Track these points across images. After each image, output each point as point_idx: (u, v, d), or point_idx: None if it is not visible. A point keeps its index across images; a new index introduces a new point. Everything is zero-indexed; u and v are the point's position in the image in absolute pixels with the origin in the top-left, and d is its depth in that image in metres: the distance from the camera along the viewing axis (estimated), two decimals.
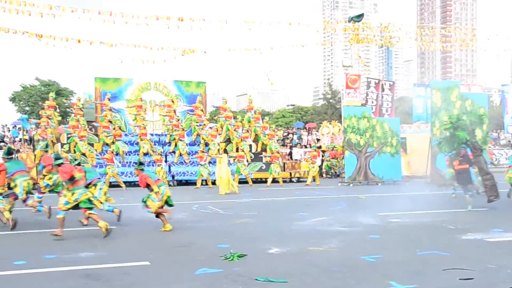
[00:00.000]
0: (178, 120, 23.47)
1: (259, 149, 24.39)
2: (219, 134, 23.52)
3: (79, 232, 9.18)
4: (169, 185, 21.08)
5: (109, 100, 23.65)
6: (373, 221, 10.18)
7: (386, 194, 16.89)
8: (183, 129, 22.82)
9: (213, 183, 19.72)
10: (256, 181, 23.07)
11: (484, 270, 6.07)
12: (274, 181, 21.25)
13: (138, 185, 21.22)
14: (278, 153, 22.77)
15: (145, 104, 24.87)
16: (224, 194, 17.06)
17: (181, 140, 22.51)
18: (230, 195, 16.71)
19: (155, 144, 22.98)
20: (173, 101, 24.50)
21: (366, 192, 17.23)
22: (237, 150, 23.12)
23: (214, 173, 19.63)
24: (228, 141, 24.08)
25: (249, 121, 24.89)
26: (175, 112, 23.99)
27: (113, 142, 21.83)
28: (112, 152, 20.45)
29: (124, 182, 21.74)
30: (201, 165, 20.33)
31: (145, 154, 22.01)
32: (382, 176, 21.29)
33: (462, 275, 5.79)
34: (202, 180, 20.58)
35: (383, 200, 14.87)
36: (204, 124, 23.76)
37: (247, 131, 23.92)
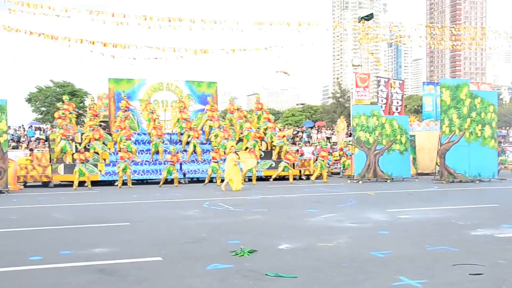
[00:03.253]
0: (189, 120, 23.43)
1: (269, 148, 24.34)
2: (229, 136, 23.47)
3: (94, 229, 9.23)
4: (180, 183, 21.29)
5: (126, 98, 23.71)
6: (382, 217, 10.13)
7: (395, 190, 16.82)
8: (195, 128, 22.77)
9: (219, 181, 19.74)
10: (265, 179, 23.05)
11: (494, 265, 6.01)
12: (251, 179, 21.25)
13: (150, 183, 21.43)
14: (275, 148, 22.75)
15: (157, 104, 24.94)
16: (239, 189, 17.19)
17: (196, 140, 22.51)
18: (241, 192, 16.70)
19: (167, 143, 23.01)
20: (184, 102, 24.50)
21: (375, 189, 17.16)
22: (246, 149, 23.12)
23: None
24: (240, 140, 24.06)
25: (259, 119, 24.87)
26: (183, 111, 23.96)
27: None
28: (126, 151, 20.48)
29: (137, 180, 21.88)
30: (215, 162, 20.38)
31: (156, 152, 22.08)
32: (391, 173, 21.18)
33: (472, 270, 5.73)
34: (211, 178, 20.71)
35: (392, 197, 14.81)
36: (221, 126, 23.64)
37: (258, 129, 23.84)
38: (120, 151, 20.64)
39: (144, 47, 27.93)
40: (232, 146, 19.59)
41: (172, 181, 20.73)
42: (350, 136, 29.17)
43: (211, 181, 20.75)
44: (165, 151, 22.10)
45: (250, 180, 21.29)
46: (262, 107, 25.69)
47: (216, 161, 20.51)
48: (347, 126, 31.08)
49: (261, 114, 25.04)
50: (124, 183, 20.04)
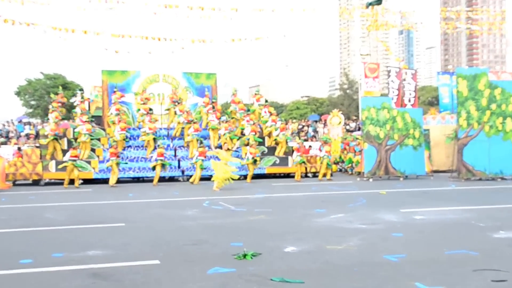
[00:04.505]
0: (188, 113, 23.40)
1: (272, 143, 24.33)
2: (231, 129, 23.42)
3: (87, 230, 9.22)
4: (179, 181, 21.27)
5: (118, 92, 23.70)
6: (395, 218, 10.09)
7: (408, 189, 16.76)
8: (194, 122, 22.69)
9: (208, 179, 19.68)
10: (269, 176, 23.03)
11: None
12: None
13: (146, 181, 21.40)
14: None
15: (153, 97, 24.92)
16: (218, 189, 17.04)
17: (197, 135, 22.45)
18: (243, 190, 16.70)
19: (163, 138, 23.02)
20: (177, 96, 24.46)
21: (387, 187, 17.12)
22: (246, 144, 23.11)
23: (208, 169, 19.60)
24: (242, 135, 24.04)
25: (253, 112, 24.83)
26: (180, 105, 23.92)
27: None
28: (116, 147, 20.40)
29: (132, 178, 21.89)
30: (201, 160, 20.16)
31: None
32: (404, 170, 21.14)
33: (494, 277, 5.65)
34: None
35: (405, 196, 14.75)
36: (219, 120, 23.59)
37: (254, 124, 23.69)
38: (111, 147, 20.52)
39: (139, 37, 27.94)
40: (225, 142, 19.49)
41: (170, 179, 20.74)
42: (359, 130, 29.12)
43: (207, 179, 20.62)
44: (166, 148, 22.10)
45: (245, 177, 21.23)
46: (259, 100, 25.57)
47: (202, 158, 20.15)
48: (355, 120, 31.04)
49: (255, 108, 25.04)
50: (122, 181, 20.05)
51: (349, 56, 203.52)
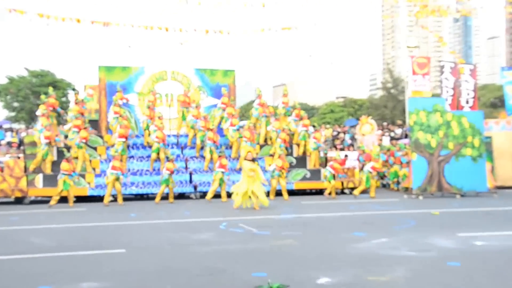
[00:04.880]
0: (206, 119, 23.42)
1: (301, 153, 24.29)
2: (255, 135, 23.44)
3: (81, 257, 9.26)
4: (190, 198, 21.32)
5: (121, 93, 23.90)
6: (451, 244, 9.98)
7: (467, 209, 16.58)
8: (211, 129, 22.71)
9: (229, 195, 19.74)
10: (298, 192, 22.95)
11: None
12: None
13: (150, 199, 21.51)
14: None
15: (159, 98, 25.12)
16: (238, 207, 17.18)
17: (213, 144, 22.49)
18: (267, 210, 16.67)
19: (172, 147, 23.13)
20: (190, 99, 24.58)
21: (440, 207, 16.95)
22: (272, 155, 23.08)
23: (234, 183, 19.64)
24: (264, 144, 24.07)
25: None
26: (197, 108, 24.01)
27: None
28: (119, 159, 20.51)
29: (135, 195, 22.03)
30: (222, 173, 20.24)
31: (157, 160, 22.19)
32: (461, 186, 20.92)
33: None
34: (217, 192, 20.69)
35: (463, 217, 14.59)
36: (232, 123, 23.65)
37: (283, 130, 23.66)
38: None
39: (142, 26, 28.16)
40: (249, 151, 19.44)
41: (180, 196, 20.80)
42: (406, 137, 28.90)
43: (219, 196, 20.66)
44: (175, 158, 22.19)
45: (278, 194, 21.21)
46: (287, 103, 25.58)
47: (223, 171, 20.20)
48: (401, 125, 30.79)
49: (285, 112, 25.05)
50: (125, 199, 20.17)
51: (394, 49, 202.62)
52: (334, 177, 21.19)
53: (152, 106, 23.79)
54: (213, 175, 20.33)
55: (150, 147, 22.60)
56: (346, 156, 25.93)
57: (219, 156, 20.47)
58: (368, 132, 28.67)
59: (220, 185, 20.14)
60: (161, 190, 20.16)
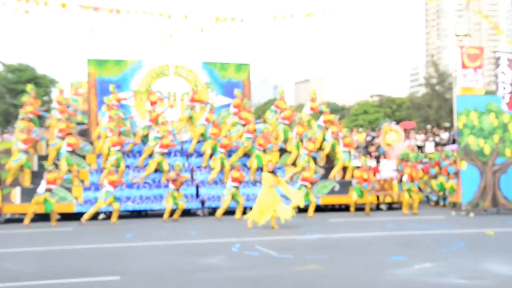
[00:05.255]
0: (216, 124, 23.36)
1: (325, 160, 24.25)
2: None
3: (68, 286, 9.29)
4: (197, 215, 21.35)
5: (115, 93, 23.88)
6: (509, 271, 9.92)
7: None
8: (225, 136, 22.68)
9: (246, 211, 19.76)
10: (325, 208, 22.88)
11: None
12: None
13: (149, 216, 21.53)
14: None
15: (159, 96, 25.15)
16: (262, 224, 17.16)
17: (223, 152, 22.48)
18: (288, 229, 16.64)
19: (175, 155, 23.15)
20: (200, 97, 24.58)
21: (496, 226, 16.83)
22: (293, 164, 23.05)
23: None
24: (281, 151, 24.01)
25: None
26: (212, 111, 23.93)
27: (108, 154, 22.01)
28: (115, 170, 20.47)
29: (131, 212, 22.06)
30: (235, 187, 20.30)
31: (156, 171, 22.22)
32: None
33: None
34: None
35: None
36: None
37: (310, 139, 23.57)
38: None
39: (140, 12, 28.24)
40: (270, 161, 19.41)
41: (185, 213, 20.79)
42: (453, 143, 28.74)
43: (232, 212, 20.67)
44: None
45: (301, 210, 21.20)
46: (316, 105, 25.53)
47: (237, 185, 20.33)
48: (448, 129, 30.63)
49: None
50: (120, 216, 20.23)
51: (440, 38, 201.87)
52: (361, 190, 21.17)
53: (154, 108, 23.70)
54: (226, 190, 20.36)
55: (150, 155, 22.53)
56: (378, 163, 25.80)
57: (233, 167, 20.52)
58: (394, 141, 28.27)
59: (235, 201, 20.23)
60: (169, 205, 20.11)
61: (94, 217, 20.46)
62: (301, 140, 23.65)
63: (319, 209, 22.40)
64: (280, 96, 25.90)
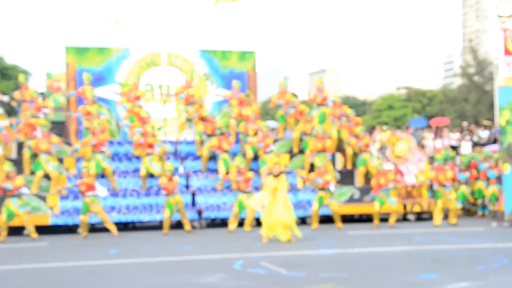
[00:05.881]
0: (209, 120, 23.37)
1: (348, 165, 24.23)
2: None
3: None
4: (193, 227, 21.34)
5: (90, 85, 23.86)
6: None
7: None
8: (222, 133, 22.68)
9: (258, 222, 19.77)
10: (344, 218, 22.88)
11: None
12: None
13: (137, 229, 21.56)
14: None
15: (150, 90, 25.16)
16: (267, 239, 17.19)
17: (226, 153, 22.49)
18: (300, 243, 16.65)
19: (168, 158, 23.15)
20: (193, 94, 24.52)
21: None
22: (311, 167, 23.04)
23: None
24: (291, 152, 24.04)
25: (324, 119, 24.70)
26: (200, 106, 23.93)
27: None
28: (90, 173, 20.46)
29: (117, 223, 22.05)
30: (245, 192, 20.36)
31: (150, 176, 22.24)
32: None
33: None
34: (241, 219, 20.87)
35: None
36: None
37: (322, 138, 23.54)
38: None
39: None
40: (277, 163, 19.42)
41: (178, 225, 20.82)
42: (494, 143, 28.70)
43: (240, 223, 20.75)
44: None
45: (303, 222, 21.19)
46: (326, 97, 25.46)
47: (245, 191, 20.49)
48: (488, 127, 30.56)
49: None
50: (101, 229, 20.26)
51: (479, 19, 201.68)
52: (383, 199, 21.17)
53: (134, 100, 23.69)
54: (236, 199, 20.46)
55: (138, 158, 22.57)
56: (395, 166, 25.65)
57: (240, 173, 20.59)
58: (405, 152, 27.60)
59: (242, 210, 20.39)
60: (167, 215, 20.10)
61: (73, 230, 20.52)
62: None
63: (330, 219, 22.23)
64: (280, 90, 25.70)
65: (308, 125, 23.82)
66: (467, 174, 24.94)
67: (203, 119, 23.37)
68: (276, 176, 17.73)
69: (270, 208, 17.32)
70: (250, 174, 20.74)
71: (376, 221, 21.32)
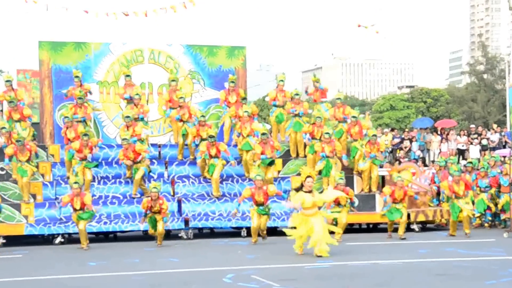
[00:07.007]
0: (204, 122, 23.29)
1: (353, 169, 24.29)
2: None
3: None
4: (180, 238, 21.35)
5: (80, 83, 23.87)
6: None
7: None
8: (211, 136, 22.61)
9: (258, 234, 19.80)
10: (346, 229, 22.94)
11: None
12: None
13: (122, 239, 21.54)
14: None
15: (137, 90, 25.15)
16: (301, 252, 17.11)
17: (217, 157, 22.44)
18: (294, 255, 16.69)
19: (152, 164, 23.08)
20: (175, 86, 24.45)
21: None
22: (319, 173, 23.08)
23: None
24: (288, 154, 24.06)
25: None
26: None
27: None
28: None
29: (99, 233, 21.99)
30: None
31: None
32: None
33: None
34: (245, 228, 21.00)
35: None
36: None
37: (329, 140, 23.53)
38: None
39: None
40: (309, 176, 19.40)
41: (165, 234, 20.81)
42: (505, 147, 28.81)
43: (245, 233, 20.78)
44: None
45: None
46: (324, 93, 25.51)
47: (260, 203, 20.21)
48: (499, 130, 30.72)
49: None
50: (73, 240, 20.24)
51: (488, 12, 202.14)
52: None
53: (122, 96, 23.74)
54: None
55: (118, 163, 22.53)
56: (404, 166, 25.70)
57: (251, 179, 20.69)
58: (409, 180, 26.84)
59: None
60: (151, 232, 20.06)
61: (49, 240, 20.51)
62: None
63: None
64: (278, 82, 25.64)
65: (319, 130, 23.63)
66: (486, 181, 24.79)
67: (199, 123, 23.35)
68: (309, 191, 17.49)
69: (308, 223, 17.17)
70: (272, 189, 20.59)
71: (389, 230, 21.35)
